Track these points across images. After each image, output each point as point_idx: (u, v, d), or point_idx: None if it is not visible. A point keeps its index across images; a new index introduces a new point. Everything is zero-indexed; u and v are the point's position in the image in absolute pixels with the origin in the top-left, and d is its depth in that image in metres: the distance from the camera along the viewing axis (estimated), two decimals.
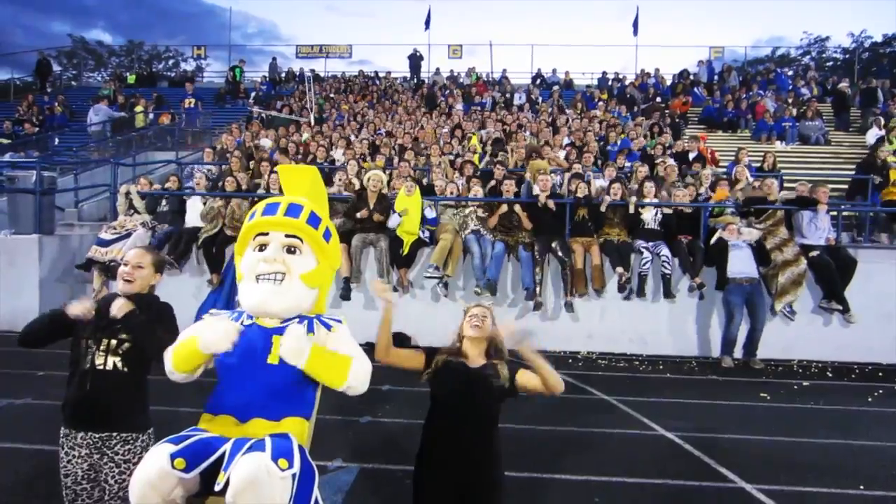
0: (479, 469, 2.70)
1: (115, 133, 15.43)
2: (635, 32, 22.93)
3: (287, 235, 2.53)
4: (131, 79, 23.67)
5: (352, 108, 16.86)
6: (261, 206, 2.63)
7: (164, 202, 9.01)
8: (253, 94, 19.63)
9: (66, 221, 10.23)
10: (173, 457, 2.13)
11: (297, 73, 22.02)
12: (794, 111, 15.45)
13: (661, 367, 7.21)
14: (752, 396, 6.02)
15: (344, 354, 2.49)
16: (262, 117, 15.89)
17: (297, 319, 2.51)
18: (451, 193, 8.50)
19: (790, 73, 22.23)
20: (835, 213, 8.10)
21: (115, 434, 2.65)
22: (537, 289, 7.73)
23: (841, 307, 7.41)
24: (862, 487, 3.84)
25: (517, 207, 8.10)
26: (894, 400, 5.94)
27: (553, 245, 7.82)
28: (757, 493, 3.71)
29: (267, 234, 2.55)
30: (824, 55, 31.51)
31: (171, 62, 36.00)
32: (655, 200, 8.10)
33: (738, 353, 7.45)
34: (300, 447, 2.32)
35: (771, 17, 69.40)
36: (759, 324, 7.30)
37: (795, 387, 6.45)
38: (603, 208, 7.91)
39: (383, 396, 5.68)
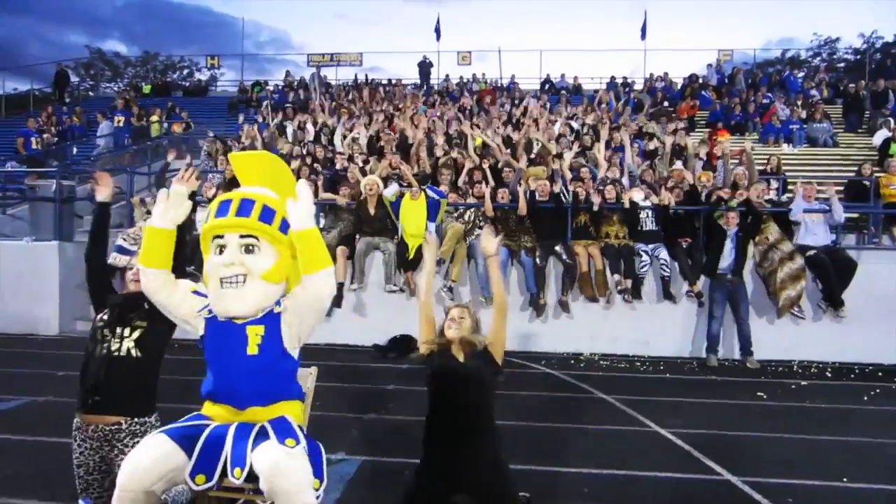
0: (479, 457, 2.85)
1: (132, 142, 15.82)
2: (643, 36, 22.98)
3: (242, 236, 2.51)
4: (146, 89, 24.16)
5: (349, 111, 16.86)
6: (214, 205, 2.61)
7: None
8: (265, 102, 19.95)
9: (85, 229, 10.54)
10: (193, 475, 2.34)
11: (309, 80, 22.32)
12: (804, 113, 15.49)
13: (661, 367, 7.34)
14: (749, 395, 6.14)
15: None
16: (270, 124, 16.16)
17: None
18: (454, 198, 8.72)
19: (801, 75, 22.20)
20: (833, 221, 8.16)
21: (123, 425, 2.86)
22: (540, 293, 7.91)
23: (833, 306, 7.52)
24: (845, 480, 3.96)
25: (520, 199, 8.20)
26: (890, 399, 6.04)
27: (556, 249, 7.99)
28: (741, 485, 3.84)
29: (223, 236, 2.55)
30: (835, 56, 31.38)
31: (185, 72, 36.48)
32: (649, 203, 8.22)
33: (731, 353, 7.68)
34: (299, 426, 2.54)
35: (780, 19, 68.92)
36: (742, 318, 7.47)
37: (793, 386, 6.56)
38: (596, 207, 8.03)
39: (389, 395, 5.87)
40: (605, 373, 7.12)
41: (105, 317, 2.97)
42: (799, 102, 16.36)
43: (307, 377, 2.97)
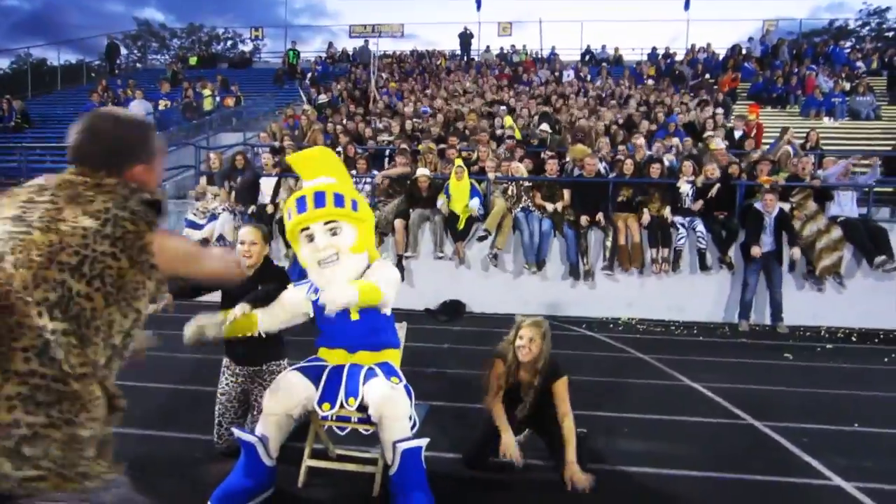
0: (548, 405, 3.56)
1: (185, 116, 16.51)
2: (686, 6, 22.87)
3: (325, 223, 3.08)
4: (193, 60, 24.86)
5: (400, 86, 17.50)
6: (291, 204, 3.15)
7: (239, 180, 9.88)
8: (309, 74, 20.51)
9: None
10: (320, 402, 3.02)
11: (351, 54, 22.84)
12: (847, 86, 15.48)
13: (695, 331, 7.88)
14: (776, 356, 6.65)
15: (373, 282, 3.03)
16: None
17: None
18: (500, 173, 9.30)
19: (847, 46, 21.90)
20: (867, 188, 8.51)
21: (264, 367, 3.59)
22: (580, 262, 8.47)
23: (885, 256, 7.87)
24: (856, 425, 4.50)
25: (564, 195, 8.86)
26: None
27: (597, 219, 8.52)
28: (762, 427, 4.41)
29: (309, 227, 3.11)
30: (884, 26, 30.59)
31: (229, 43, 37.20)
32: (692, 178, 8.67)
33: (762, 319, 8.15)
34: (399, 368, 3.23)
35: None
36: (775, 287, 7.91)
37: (818, 349, 7.04)
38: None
39: (445, 353, 6.52)
40: (642, 335, 7.67)
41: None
42: (843, 75, 16.32)
43: (399, 330, 3.61)
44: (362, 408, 3.01)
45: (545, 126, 11.70)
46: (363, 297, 2.90)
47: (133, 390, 5.08)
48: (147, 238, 1.57)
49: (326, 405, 3.03)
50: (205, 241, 8.60)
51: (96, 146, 1.66)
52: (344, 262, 3.12)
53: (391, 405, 2.94)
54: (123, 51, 28.97)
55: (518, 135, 11.44)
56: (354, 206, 3.15)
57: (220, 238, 8.74)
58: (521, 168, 9.28)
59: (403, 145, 10.49)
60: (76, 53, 24.97)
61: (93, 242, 1.48)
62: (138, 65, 30.73)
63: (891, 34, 28.96)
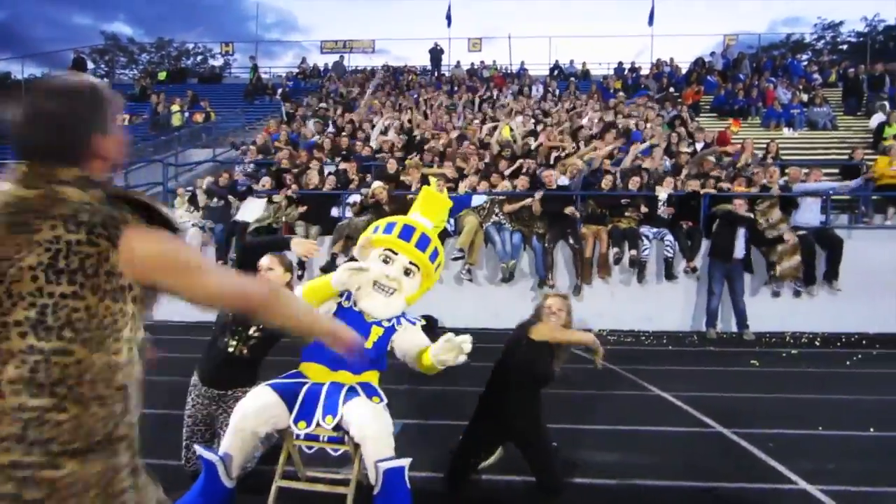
0: (526, 414, 3.56)
1: (154, 132, 16.32)
2: (650, 22, 23.37)
3: (411, 261, 3.25)
4: (162, 75, 24.59)
5: (380, 102, 17.53)
6: (399, 225, 3.29)
7: (215, 200, 9.85)
8: (280, 90, 20.44)
9: None
10: (296, 421, 2.98)
11: (322, 70, 22.84)
12: (805, 97, 15.95)
13: (664, 340, 8.00)
14: (743, 363, 6.81)
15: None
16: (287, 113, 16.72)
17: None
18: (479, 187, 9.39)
19: (804, 59, 22.58)
20: (823, 196, 8.80)
21: (229, 392, 3.47)
22: (548, 275, 8.55)
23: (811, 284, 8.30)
24: (820, 428, 4.62)
25: (534, 203, 8.91)
26: (869, 363, 6.77)
27: (567, 232, 8.63)
28: (730, 434, 4.50)
29: (396, 253, 3.25)
30: (838, 39, 31.71)
31: (199, 58, 36.88)
32: (669, 190, 8.89)
33: (729, 327, 8.35)
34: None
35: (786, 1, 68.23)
36: (738, 296, 8.13)
37: (784, 354, 7.23)
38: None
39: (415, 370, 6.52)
40: (613, 346, 7.73)
41: (231, 316, 3.46)
42: (801, 86, 16.81)
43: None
44: (338, 427, 2.99)
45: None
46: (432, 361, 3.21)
47: None
48: (112, 258, 1.26)
49: (302, 423, 2.97)
50: None
51: (42, 132, 1.32)
52: (393, 300, 3.25)
53: (372, 425, 2.92)
54: (91, 65, 28.55)
55: (508, 141, 11.57)
56: (433, 257, 3.35)
57: None
58: (508, 185, 9.43)
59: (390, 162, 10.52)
60: (41, 67, 24.50)
61: (46, 284, 1.22)
62: (105, 79, 30.29)
63: (845, 47, 30.02)
